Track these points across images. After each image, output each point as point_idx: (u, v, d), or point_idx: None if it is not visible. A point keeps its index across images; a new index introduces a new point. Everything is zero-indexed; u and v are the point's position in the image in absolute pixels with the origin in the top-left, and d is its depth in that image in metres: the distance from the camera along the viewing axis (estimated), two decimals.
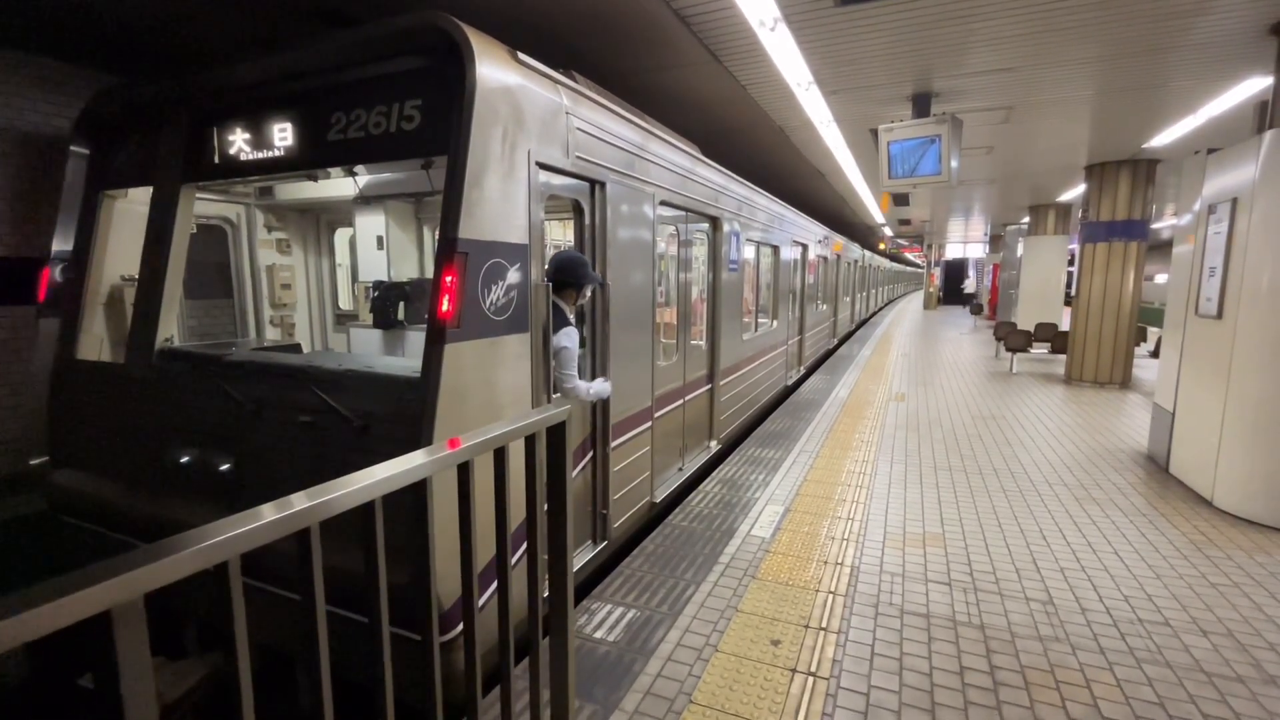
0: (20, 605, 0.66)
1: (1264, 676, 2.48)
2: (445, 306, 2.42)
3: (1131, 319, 8.63)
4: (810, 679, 2.43)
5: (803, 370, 10.21)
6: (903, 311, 26.34)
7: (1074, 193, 11.41)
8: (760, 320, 7.48)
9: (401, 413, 2.51)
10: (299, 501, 1.02)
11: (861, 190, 11.45)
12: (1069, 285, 14.03)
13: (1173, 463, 4.93)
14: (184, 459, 3.05)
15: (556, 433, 1.75)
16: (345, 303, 5.68)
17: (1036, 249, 13.72)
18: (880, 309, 28.48)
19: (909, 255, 37.97)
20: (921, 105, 5.63)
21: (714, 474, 4.90)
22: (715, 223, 5.50)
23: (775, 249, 7.89)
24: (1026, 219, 14.48)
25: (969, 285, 31.70)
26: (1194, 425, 4.65)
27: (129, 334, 3.48)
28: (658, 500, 4.36)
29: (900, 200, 12.13)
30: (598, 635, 2.72)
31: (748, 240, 6.45)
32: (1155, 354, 10.36)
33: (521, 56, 2.89)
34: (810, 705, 2.28)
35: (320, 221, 5.44)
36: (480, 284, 2.54)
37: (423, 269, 5.48)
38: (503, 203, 2.65)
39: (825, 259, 11.75)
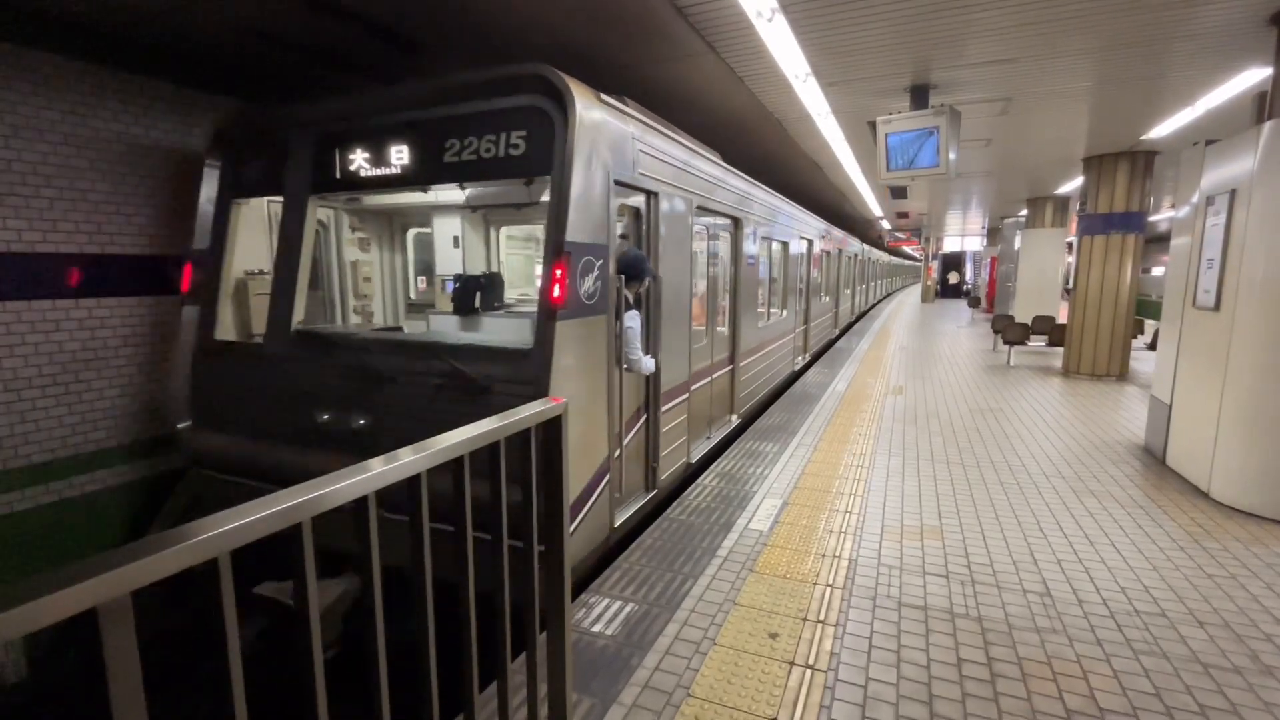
0: (1, 604, 0.65)
1: (1260, 667, 2.48)
2: (556, 293, 3.09)
3: (1129, 311, 8.63)
4: (808, 671, 2.43)
5: (808, 357, 10.78)
6: (900, 305, 26.34)
7: (1072, 185, 11.39)
8: (772, 310, 8.12)
9: (518, 375, 3.20)
10: (290, 497, 1.01)
11: (860, 183, 11.42)
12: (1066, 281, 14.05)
13: (1169, 455, 4.94)
14: (321, 418, 3.73)
15: (552, 427, 1.74)
16: (413, 293, 6.50)
17: (1034, 242, 13.71)
18: (878, 302, 28.81)
19: (907, 249, 37.96)
20: (919, 97, 5.60)
21: (712, 467, 4.90)
22: (737, 223, 6.15)
23: (785, 245, 8.50)
24: (1024, 212, 14.47)
25: (958, 276, 32.00)
26: (1191, 417, 4.66)
27: (268, 318, 4.08)
28: (693, 460, 5.14)
29: (898, 193, 12.10)
30: (595, 629, 2.72)
31: (762, 237, 7.08)
32: (1152, 346, 10.37)
33: (604, 96, 3.53)
34: (808, 698, 2.28)
35: (394, 223, 6.20)
36: (578, 276, 3.24)
37: (488, 265, 6.31)
38: (592, 212, 3.31)
39: (828, 253, 12.41)
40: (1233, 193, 4.16)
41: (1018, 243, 15.12)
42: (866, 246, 21.54)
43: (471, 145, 3.49)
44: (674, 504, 4.15)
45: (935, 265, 31.22)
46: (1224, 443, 4.22)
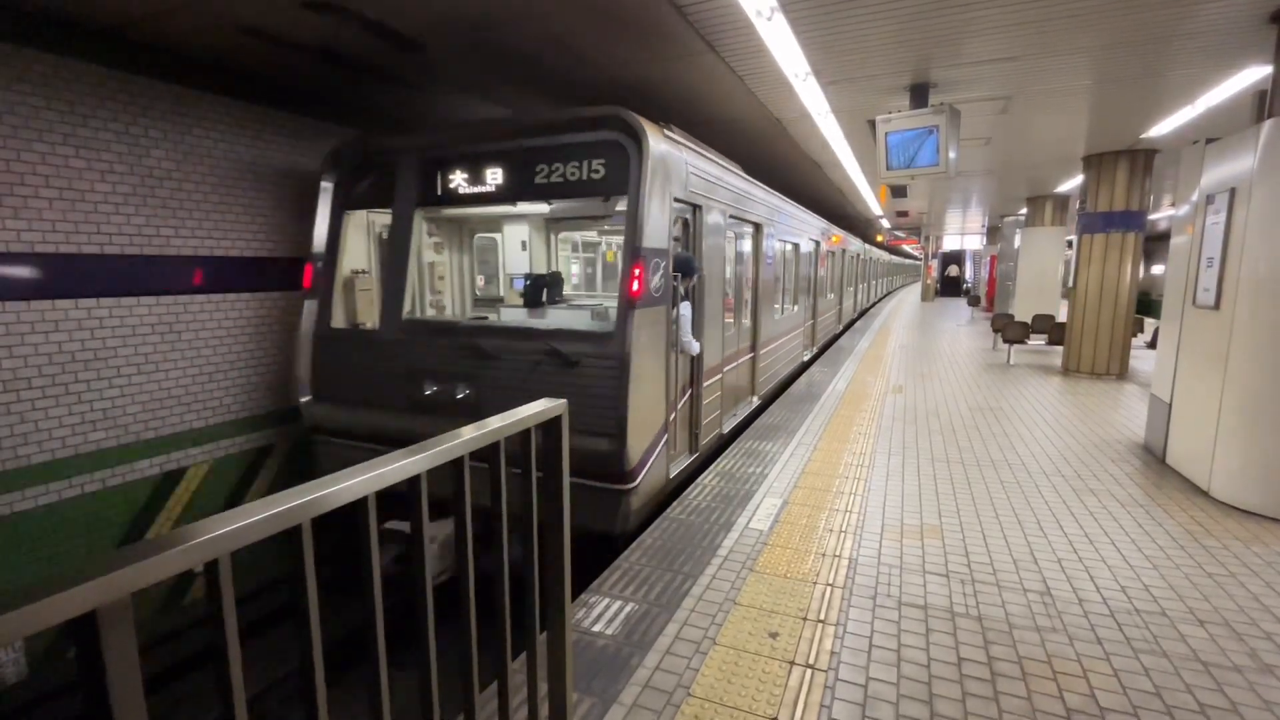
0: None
1: (1260, 666, 2.48)
2: (635, 287, 3.88)
3: (1129, 310, 8.63)
4: (808, 671, 2.43)
5: (815, 350, 11.57)
6: (900, 303, 26.34)
7: (1072, 184, 11.39)
8: (786, 305, 8.97)
9: (603, 352, 3.96)
10: (289, 499, 1.01)
11: (859, 182, 11.41)
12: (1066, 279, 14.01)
13: (1169, 453, 4.94)
14: (429, 390, 4.48)
15: (552, 427, 1.73)
16: (477, 290, 7.34)
17: (1034, 240, 13.70)
18: (879, 300, 29.12)
19: (906, 247, 37.93)
20: (919, 96, 5.59)
21: (712, 466, 4.90)
22: (758, 228, 6.93)
23: (796, 246, 9.29)
24: (1024, 210, 14.46)
25: (957, 270, 32.09)
26: (1191, 416, 4.66)
27: (382, 309, 4.87)
28: (725, 432, 5.98)
29: (898, 192, 12.09)
30: (596, 629, 2.72)
31: (778, 240, 7.91)
32: (1152, 345, 10.37)
33: (667, 131, 4.37)
34: (808, 697, 2.28)
35: (463, 229, 6.97)
36: (649, 274, 3.99)
37: (548, 265, 7.33)
38: (658, 224, 4.09)
39: (832, 253, 13.30)
40: (1233, 191, 4.16)
41: (1017, 241, 15.11)
42: (867, 245, 22.05)
43: (559, 170, 4.30)
44: (674, 503, 4.15)
45: (935, 264, 31.22)
46: (1224, 441, 4.22)
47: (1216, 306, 4.29)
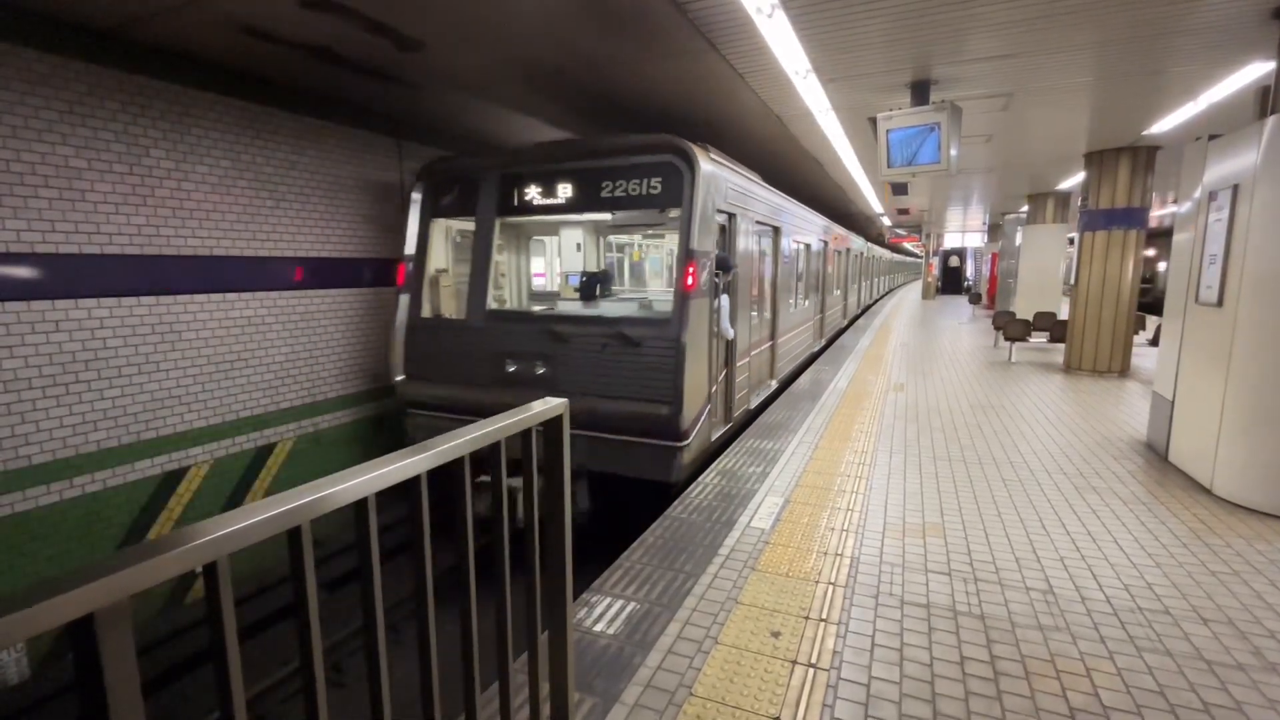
0: None
1: (1264, 664, 2.48)
2: (689, 282, 4.74)
3: (1130, 307, 8.61)
4: (810, 670, 2.42)
5: (823, 341, 12.36)
6: (901, 301, 26.32)
7: (1073, 181, 11.36)
8: (799, 300, 9.76)
9: (663, 335, 4.77)
10: (290, 500, 1.00)
11: (860, 180, 11.39)
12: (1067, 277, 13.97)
13: (1172, 451, 4.93)
14: (511, 368, 5.34)
15: (553, 427, 1.73)
16: (532, 286, 8.28)
17: (1035, 238, 13.67)
18: (880, 298, 29.38)
19: (907, 245, 37.88)
20: (920, 93, 5.57)
21: (713, 465, 4.89)
22: (777, 231, 7.74)
23: (807, 246, 10.00)
24: (1025, 208, 14.43)
25: (959, 260, 32.14)
26: (1193, 413, 4.65)
27: (469, 302, 5.69)
28: (751, 407, 6.89)
29: (899, 189, 12.07)
30: (597, 628, 2.71)
31: (793, 241, 8.70)
32: (1154, 342, 10.35)
33: (712, 154, 5.23)
34: (811, 696, 2.28)
35: (520, 233, 7.83)
36: (699, 271, 4.82)
37: (597, 264, 8.32)
38: (705, 230, 4.94)
39: (838, 252, 14.06)
40: (1235, 188, 4.14)
41: (1019, 239, 15.08)
42: (869, 244, 22.52)
43: (622, 186, 5.14)
44: (675, 502, 4.15)
45: (936, 262, 31.17)
46: (1226, 439, 4.21)
47: (1219, 304, 4.28)
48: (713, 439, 5.51)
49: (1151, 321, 11.80)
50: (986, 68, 5.19)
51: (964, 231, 24.64)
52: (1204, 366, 4.51)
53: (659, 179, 5.03)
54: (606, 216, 7.16)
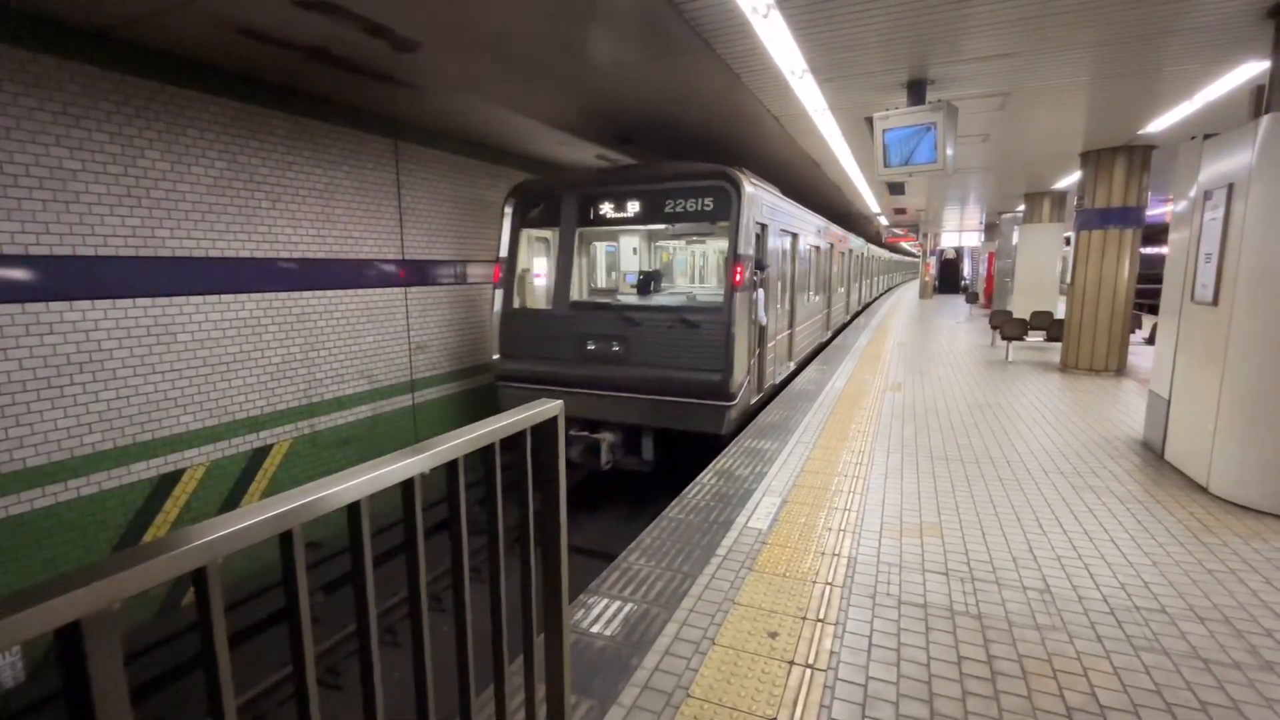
0: None
1: (1260, 663, 2.48)
2: (738, 278, 5.98)
3: (1127, 306, 8.62)
4: (808, 671, 2.42)
5: (830, 333, 13.63)
6: (899, 301, 26.35)
7: (1070, 180, 11.38)
8: (811, 295, 10.96)
9: (715, 320, 6.03)
10: (280, 504, 0.99)
11: (857, 179, 11.39)
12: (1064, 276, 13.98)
13: (1168, 449, 4.94)
14: (590, 347, 6.53)
15: (547, 429, 1.72)
16: (596, 284, 9.57)
17: (1032, 237, 13.69)
18: (879, 296, 29.92)
19: (905, 244, 37.90)
20: (916, 92, 5.57)
21: (711, 465, 4.89)
22: (795, 237, 8.99)
23: (817, 248, 11.16)
24: (1022, 207, 14.45)
25: (954, 253, 32.28)
26: (1189, 412, 4.65)
27: (554, 295, 6.89)
28: (776, 381, 8.17)
29: (896, 189, 12.08)
30: (594, 630, 2.70)
31: (806, 244, 9.96)
32: (1150, 341, 10.36)
33: (752, 178, 6.45)
34: (808, 697, 2.27)
35: (583, 238, 8.61)
36: (745, 270, 6.03)
37: (650, 264, 9.83)
38: (748, 238, 6.15)
39: (842, 253, 15.27)
40: (1230, 187, 4.15)
41: (1015, 238, 15.10)
42: (868, 244, 23.37)
43: (681, 204, 6.41)
44: (673, 503, 4.14)
45: (933, 261, 31.16)
46: (1222, 437, 4.22)
47: (1215, 302, 4.29)
48: (750, 403, 6.82)
49: (1148, 320, 11.82)
50: (983, 67, 5.19)
51: (961, 231, 24.66)
52: (1200, 365, 4.52)
53: (712, 198, 6.34)
54: (665, 227, 8.48)
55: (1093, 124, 7.24)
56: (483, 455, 1.54)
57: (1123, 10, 4.08)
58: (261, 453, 5.76)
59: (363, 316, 6.73)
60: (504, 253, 7.11)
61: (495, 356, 7.12)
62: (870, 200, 15.00)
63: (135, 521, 4.84)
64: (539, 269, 8.28)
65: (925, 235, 27.34)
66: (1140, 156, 8.30)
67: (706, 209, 6.39)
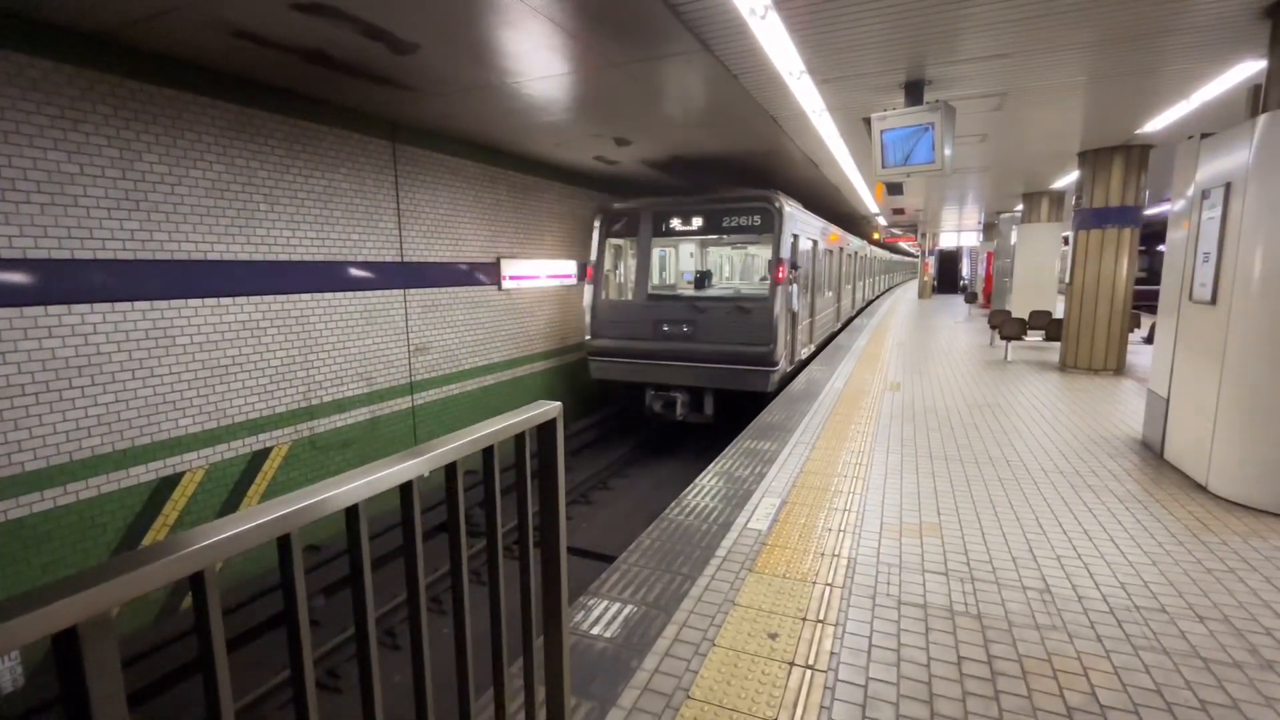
0: None
1: (1260, 662, 2.48)
2: (780, 275, 8.20)
3: (1125, 305, 8.63)
4: (808, 672, 2.42)
5: (839, 325, 15.66)
6: (898, 301, 26.36)
7: (1067, 179, 11.39)
8: (826, 291, 12.88)
9: (763, 307, 8.22)
10: (278, 508, 0.99)
11: (856, 180, 11.40)
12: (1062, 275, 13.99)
13: (1167, 448, 4.94)
14: (665, 328, 8.48)
15: (547, 430, 1.72)
16: (655, 282, 11.38)
17: (1030, 236, 13.70)
18: (879, 295, 30.75)
19: (903, 244, 37.91)
20: (914, 93, 5.58)
21: (710, 467, 4.89)
22: (815, 243, 10.85)
23: (829, 251, 13.07)
24: (1020, 207, 14.46)
25: (955, 245, 32.38)
26: (1188, 411, 4.66)
27: (635, 288, 9.05)
28: (801, 358, 10.01)
29: (894, 189, 12.08)
30: (594, 631, 2.70)
31: (822, 248, 11.88)
32: (1149, 340, 10.37)
33: (789, 200, 8.79)
34: (808, 698, 2.27)
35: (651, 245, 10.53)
36: (786, 269, 8.25)
37: (701, 265, 12.72)
38: (786, 245, 8.37)
39: (849, 255, 17.38)
40: (1228, 186, 4.16)
41: (1014, 238, 15.11)
42: (870, 246, 25.08)
43: (735, 220, 8.54)
44: (672, 504, 4.14)
45: (932, 261, 31.13)
46: (1222, 436, 4.22)
47: (1213, 301, 4.29)
48: (785, 371, 8.84)
49: (1146, 319, 11.83)
50: (980, 68, 5.20)
51: (959, 230, 24.68)
52: (1198, 364, 4.52)
53: (759, 216, 8.57)
54: (715, 237, 10.37)
55: (1090, 124, 7.25)
56: (484, 457, 1.54)
57: (1119, 10, 4.09)
58: (261, 455, 5.75)
59: (361, 318, 6.73)
60: (593, 257, 9.21)
61: (587, 337, 9.16)
62: (869, 200, 15.01)
63: (134, 525, 4.84)
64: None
65: (924, 235, 27.36)
66: (1138, 156, 8.32)
67: (754, 224, 8.58)
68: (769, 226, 8.42)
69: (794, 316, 9.10)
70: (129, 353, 4.74)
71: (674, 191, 11.05)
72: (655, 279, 11.14)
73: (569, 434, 8.19)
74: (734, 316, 8.37)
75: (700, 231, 8.87)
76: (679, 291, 10.29)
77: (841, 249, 15.05)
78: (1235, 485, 4.12)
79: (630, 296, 9.37)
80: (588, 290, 9.18)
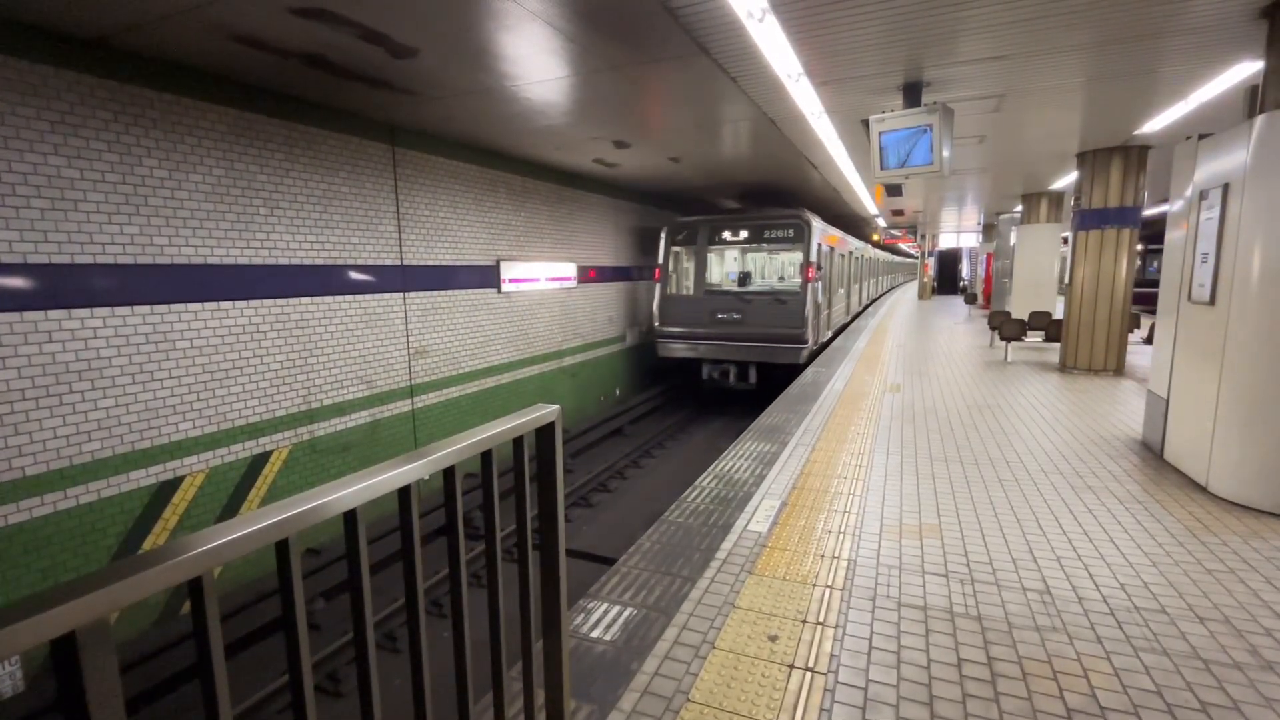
0: None
1: (1261, 662, 2.48)
2: (810, 275, 10.94)
3: (1125, 306, 8.63)
4: (808, 674, 2.42)
5: (849, 317, 17.88)
6: (898, 301, 26.36)
7: (1066, 180, 11.41)
8: (838, 288, 14.75)
9: (797, 298, 10.94)
10: (275, 513, 0.99)
11: (855, 182, 11.42)
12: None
13: (1167, 449, 4.94)
14: (719, 316, 11.26)
15: (546, 433, 1.72)
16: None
17: (1030, 237, 13.71)
18: (882, 294, 31.66)
19: (903, 245, 37.94)
20: (912, 95, 5.59)
21: (710, 468, 4.89)
22: (832, 249, 12.89)
23: (842, 255, 15.11)
24: (1019, 207, 14.47)
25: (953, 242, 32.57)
26: (1188, 411, 4.66)
27: (694, 284, 11.72)
28: (822, 339, 12.09)
29: (893, 191, 12.10)
30: (594, 634, 2.70)
31: (838, 254, 14.12)
32: (1149, 340, 10.36)
33: (815, 216, 11.72)
34: (808, 700, 2.27)
35: (700, 252, 12.33)
36: (815, 270, 11.06)
37: (742, 267, 13.78)
38: (814, 250, 11.08)
39: (856, 258, 19.46)
40: (1226, 187, 4.16)
41: (1013, 238, 15.12)
42: (874, 248, 26.93)
43: (775, 232, 11.23)
44: (672, 506, 4.14)
45: (932, 262, 31.13)
46: (1221, 436, 4.22)
47: (1212, 302, 4.30)
48: (812, 348, 11.13)
49: (1146, 320, 11.82)
50: (977, 70, 5.21)
51: (959, 231, 24.70)
52: (1198, 364, 4.53)
53: (793, 229, 11.15)
54: (756, 245, 12.31)
55: (1088, 125, 7.26)
56: (482, 460, 1.54)
57: (1116, 12, 4.10)
58: (261, 459, 5.75)
59: (361, 322, 6.74)
60: (661, 261, 11.76)
61: (656, 324, 11.77)
62: (868, 202, 15.03)
63: (134, 529, 4.84)
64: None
65: (923, 236, 27.38)
66: (1136, 157, 8.33)
67: (789, 235, 11.19)
68: (800, 237, 11.06)
69: (818, 307, 11.32)
70: (129, 357, 4.75)
71: (720, 210, 14.52)
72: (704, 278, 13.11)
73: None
74: (774, 306, 10.95)
75: (745, 241, 11.57)
76: (728, 287, 12.22)
77: (850, 253, 17.43)
78: (1235, 485, 4.12)
79: (690, 291, 11.71)
80: (657, 288, 11.74)
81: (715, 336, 11.27)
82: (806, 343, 10.76)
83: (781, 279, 13.32)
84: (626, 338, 12.88)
